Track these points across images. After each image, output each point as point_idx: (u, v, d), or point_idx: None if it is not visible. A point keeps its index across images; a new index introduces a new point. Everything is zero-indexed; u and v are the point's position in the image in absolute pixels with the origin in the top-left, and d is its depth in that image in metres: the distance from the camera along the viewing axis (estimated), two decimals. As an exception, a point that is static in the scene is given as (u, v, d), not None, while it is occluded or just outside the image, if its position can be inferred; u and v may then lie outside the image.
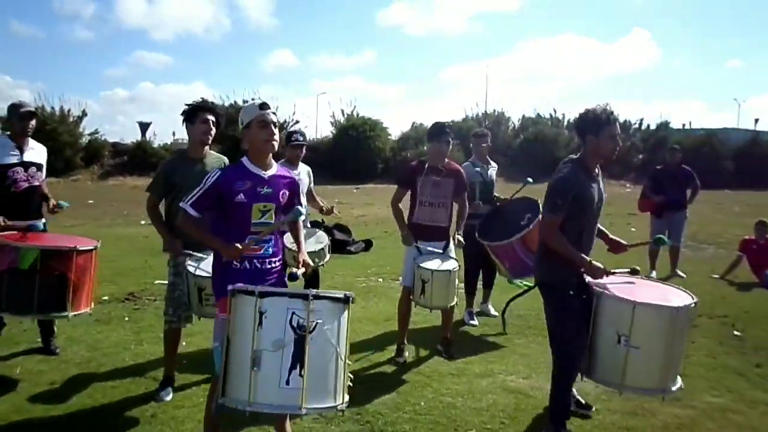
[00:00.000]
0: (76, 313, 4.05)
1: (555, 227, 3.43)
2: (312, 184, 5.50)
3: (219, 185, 2.98)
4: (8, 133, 4.57)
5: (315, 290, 2.59)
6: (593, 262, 3.42)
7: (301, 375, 2.48)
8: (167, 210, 4.08)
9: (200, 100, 4.14)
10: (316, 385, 2.53)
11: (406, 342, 4.94)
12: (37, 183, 4.56)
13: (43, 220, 4.65)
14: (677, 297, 3.46)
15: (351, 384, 2.76)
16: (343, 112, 33.01)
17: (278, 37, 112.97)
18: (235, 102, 30.94)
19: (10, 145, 4.47)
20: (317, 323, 2.53)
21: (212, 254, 3.35)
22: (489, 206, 5.87)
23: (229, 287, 2.67)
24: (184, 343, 4.81)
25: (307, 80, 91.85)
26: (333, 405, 2.60)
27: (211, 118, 4.01)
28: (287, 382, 2.48)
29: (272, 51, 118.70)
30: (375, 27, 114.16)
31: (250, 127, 3.02)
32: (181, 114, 3.99)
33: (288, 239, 3.94)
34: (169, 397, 3.95)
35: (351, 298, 2.68)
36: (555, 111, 36.61)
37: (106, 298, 6.48)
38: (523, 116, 36.59)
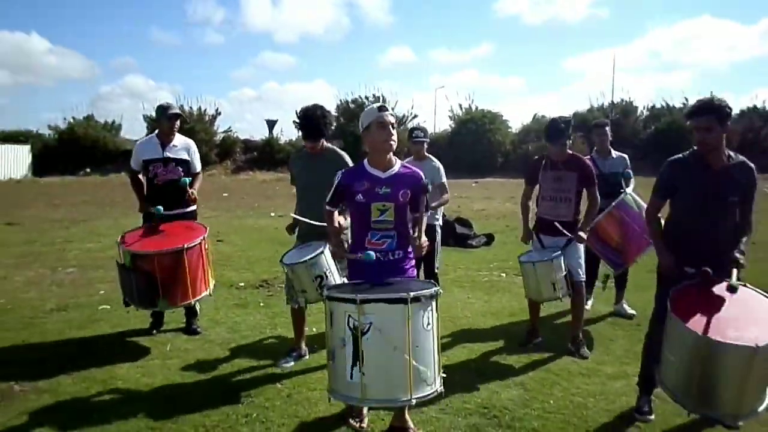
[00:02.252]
0: (172, 307, 4.70)
1: (652, 208, 3.68)
2: (444, 179, 5.50)
3: (341, 185, 3.23)
4: (157, 131, 5.10)
5: (364, 295, 2.70)
6: (665, 255, 3.53)
7: (361, 372, 2.67)
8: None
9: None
10: (377, 382, 2.69)
11: (537, 328, 5.02)
12: (176, 177, 4.99)
13: (192, 208, 5.11)
14: (749, 328, 2.99)
15: (444, 375, 2.91)
16: (461, 106, 32.82)
17: (396, 33, 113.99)
18: (359, 98, 31.76)
19: (155, 142, 5.03)
20: (370, 325, 2.67)
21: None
22: (607, 201, 5.56)
23: (325, 288, 2.97)
24: (314, 329, 5.03)
25: (425, 75, 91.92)
26: (397, 399, 2.72)
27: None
28: (351, 377, 2.71)
29: (390, 47, 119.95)
30: (492, 18, 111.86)
31: (370, 129, 3.16)
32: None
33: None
34: (288, 365, 4.36)
35: (416, 298, 2.71)
36: (687, 100, 33.79)
37: (242, 284, 6.92)
38: (653, 106, 34.34)
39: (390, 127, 3.14)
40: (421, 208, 3.23)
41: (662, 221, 3.80)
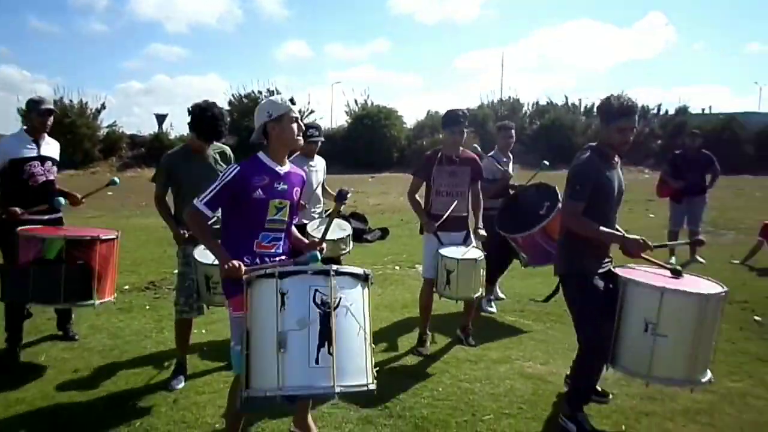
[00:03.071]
0: (101, 301, 4.17)
1: (579, 213, 3.38)
2: (325, 177, 5.45)
3: (237, 181, 2.86)
4: (25, 127, 4.63)
5: (335, 266, 2.56)
6: (628, 235, 3.37)
7: (330, 353, 2.42)
8: (174, 200, 4.18)
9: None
10: (346, 363, 2.47)
11: (428, 333, 4.91)
12: (52, 177, 4.60)
13: (60, 214, 4.66)
14: (706, 286, 3.37)
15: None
16: (356, 101, 32.99)
17: (291, 27, 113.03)
18: (252, 92, 31.02)
19: (27, 139, 4.52)
20: (340, 299, 2.50)
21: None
22: (506, 197, 5.80)
23: (245, 276, 2.64)
24: (204, 331, 4.90)
25: (321, 70, 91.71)
26: (365, 383, 2.53)
27: None
28: (317, 361, 2.42)
29: (285, 41, 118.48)
30: (386, 15, 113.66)
31: (282, 121, 2.92)
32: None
33: (311, 226, 4.04)
34: (180, 385, 4.00)
35: (370, 276, 2.67)
36: (567, 98, 36.13)
37: (127, 287, 6.58)
38: (537, 103, 36.26)
39: (300, 122, 2.98)
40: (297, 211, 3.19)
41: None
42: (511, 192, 5.93)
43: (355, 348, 2.52)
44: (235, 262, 2.74)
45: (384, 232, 10.52)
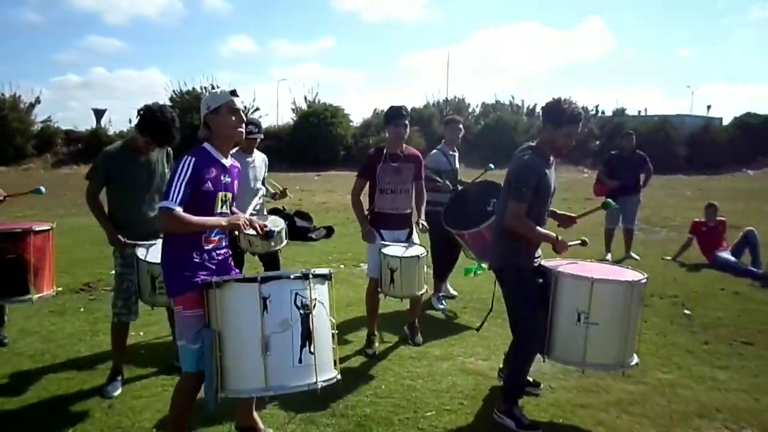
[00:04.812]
0: (40, 295, 4.11)
1: (522, 214, 3.45)
2: (266, 173, 5.27)
3: (193, 173, 2.78)
4: None
5: (312, 270, 2.76)
6: (560, 237, 3.54)
7: (311, 352, 2.65)
8: (108, 200, 3.99)
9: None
10: (323, 359, 2.72)
11: (376, 333, 4.86)
12: None
13: None
14: (628, 274, 3.63)
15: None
16: (305, 98, 32.76)
17: (234, 22, 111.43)
18: (193, 89, 30.35)
19: None
20: (316, 300, 2.71)
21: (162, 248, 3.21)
22: (453, 193, 5.87)
23: (214, 279, 2.72)
24: (141, 333, 4.77)
25: (267, 67, 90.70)
26: (334, 376, 2.81)
27: None
28: (300, 360, 2.64)
29: (229, 36, 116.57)
30: (332, 12, 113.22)
31: (219, 112, 2.88)
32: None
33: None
34: (117, 392, 3.83)
35: (331, 275, 2.89)
36: (513, 98, 37.06)
37: (60, 288, 6.24)
38: (483, 103, 37.00)
39: (241, 114, 2.93)
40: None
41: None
42: (459, 188, 6.00)
43: (328, 344, 2.79)
44: (240, 216, 2.96)
45: (329, 231, 10.47)
